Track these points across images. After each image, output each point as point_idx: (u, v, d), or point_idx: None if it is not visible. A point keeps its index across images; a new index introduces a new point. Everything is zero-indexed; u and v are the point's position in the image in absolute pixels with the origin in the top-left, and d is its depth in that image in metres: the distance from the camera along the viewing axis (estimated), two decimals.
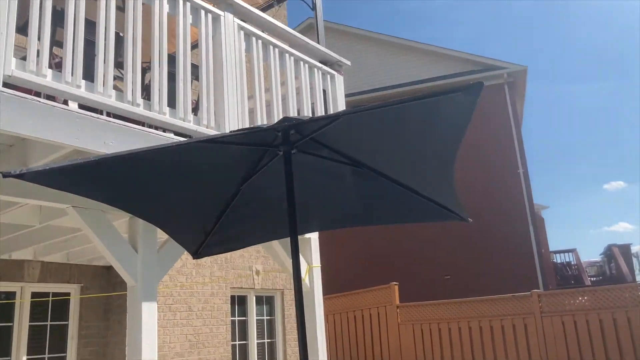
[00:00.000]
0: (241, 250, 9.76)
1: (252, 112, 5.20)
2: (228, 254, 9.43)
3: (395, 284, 11.68)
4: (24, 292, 7.15)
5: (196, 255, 3.49)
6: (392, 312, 11.45)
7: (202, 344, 8.48)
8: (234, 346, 9.46)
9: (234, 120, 4.65)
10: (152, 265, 4.17)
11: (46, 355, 7.26)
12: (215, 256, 9.14)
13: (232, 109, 4.66)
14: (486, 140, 17.24)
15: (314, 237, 5.92)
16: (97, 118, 3.54)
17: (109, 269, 7.89)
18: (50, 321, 7.41)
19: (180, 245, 3.83)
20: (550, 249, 22.25)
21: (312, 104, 5.86)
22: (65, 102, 3.55)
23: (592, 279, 22.83)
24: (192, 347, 8.33)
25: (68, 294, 7.63)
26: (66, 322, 7.56)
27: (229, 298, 9.26)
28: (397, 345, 11.18)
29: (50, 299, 7.40)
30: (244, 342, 9.83)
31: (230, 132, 3.20)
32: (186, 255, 8.66)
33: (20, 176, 1.96)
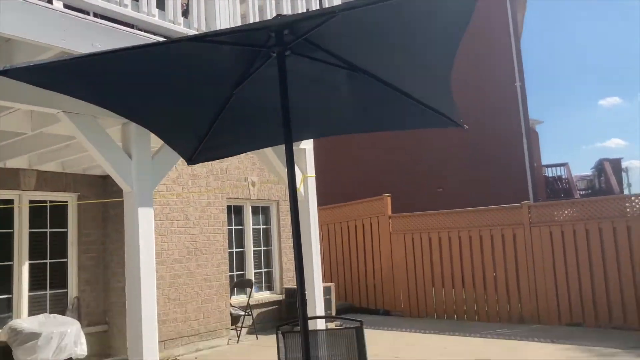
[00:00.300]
0: (237, 162, 9.81)
1: (244, 17, 5.02)
2: (224, 165, 9.48)
3: (388, 196, 11.87)
4: (21, 200, 7.23)
5: (190, 161, 3.49)
6: (384, 222, 11.72)
7: (199, 250, 8.72)
8: (231, 253, 9.75)
9: (226, 25, 4.50)
10: (146, 171, 4.19)
11: (48, 260, 7.47)
12: (210, 167, 9.19)
13: (223, 12, 4.49)
14: (484, 49, 16.89)
15: (308, 147, 5.93)
16: (84, 18, 3.40)
17: (105, 178, 7.95)
18: (50, 228, 7.55)
19: (174, 152, 3.83)
20: (543, 163, 22.46)
21: (307, 9, 5.66)
22: (49, 1, 3.40)
23: (581, 192, 23.28)
24: (190, 253, 8.57)
25: (65, 202, 7.73)
26: (65, 230, 7.72)
27: (225, 208, 9.42)
28: (388, 254, 11.55)
29: (48, 205, 7.50)
30: (241, 249, 10.13)
31: (222, 29, 3.11)
32: (182, 167, 8.71)
33: (4, 73, 1.90)
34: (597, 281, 9.18)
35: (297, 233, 2.59)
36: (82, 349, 6.56)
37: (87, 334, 7.09)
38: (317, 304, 5.44)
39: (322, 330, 3.59)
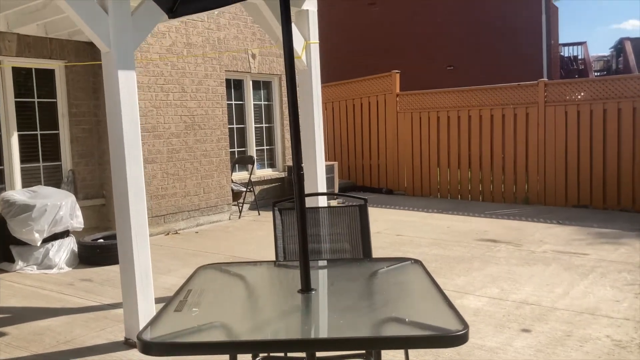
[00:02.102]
0: (235, 31, 9.12)
1: None
2: (221, 35, 8.82)
3: (397, 72, 11.25)
4: (3, 66, 6.73)
5: (172, 13, 2.98)
6: (392, 100, 11.22)
7: (197, 125, 8.36)
8: (231, 129, 9.40)
9: None
10: (126, 28, 3.67)
11: (38, 132, 7.14)
12: (207, 36, 8.55)
13: None
14: None
15: (312, 9, 5.31)
16: None
17: (93, 45, 7.37)
18: (38, 98, 7.13)
19: (156, 8, 3.30)
20: (559, 42, 21.34)
21: None
22: None
23: (597, 73, 22.38)
24: (188, 128, 8.22)
25: (52, 69, 7.24)
26: (54, 100, 7.30)
27: (224, 81, 8.91)
28: (394, 133, 11.19)
29: (34, 71, 7.01)
30: (242, 125, 9.76)
31: None
32: (176, 35, 8.07)
33: None
34: (610, 163, 8.88)
35: (293, 99, 2.17)
36: (78, 221, 6.43)
37: (83, 207, 6.95)
38: (318, 181, 5.15)
39: (322, 207, 3.29)
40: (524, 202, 9.68)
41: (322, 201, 4.80)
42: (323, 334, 1.76)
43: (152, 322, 1.81)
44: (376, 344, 1.64)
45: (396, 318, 1.85)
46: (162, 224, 7.89)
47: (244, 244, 7.08)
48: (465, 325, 1.69)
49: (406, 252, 6.32)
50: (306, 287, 2.10)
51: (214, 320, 1.88)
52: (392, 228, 7.70)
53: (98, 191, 7.64)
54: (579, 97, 9.17)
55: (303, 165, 2.19)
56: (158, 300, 4.70)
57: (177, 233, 7.91)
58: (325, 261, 2.80)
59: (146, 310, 3.82)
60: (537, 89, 9.53)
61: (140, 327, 3.78)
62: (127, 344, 3.87)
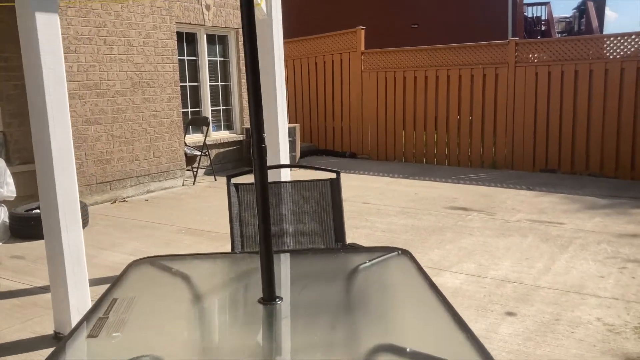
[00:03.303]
0: None
1: None
2: None
3: (362, 28, 10.63)
4: None
5: None
6: (356, 59, 10.63)
7: (146, 82, 7.60)
8: (184, 87, 8.67)
9: None
10: None
11: None
12: None
13: None
14: None
15: None
16: None
17: None
18: None
19: None
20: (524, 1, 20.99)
21: None
22: None
23: (559, 35, 22.22)
24: (135, 85, 7.46)
25: None
26: None
27: (175, 34, 8.12)
28: (358, 94, 10.65)
29: None
30: (196, 83, 9.03)
31: None
32: None
33: None
34: (579, 127, 8.63)
35: (252, 54, 1.62)
36: (9, 189, 5.71)
37: (17, 174, 6.19)
38: (280, 149, 4.59)
39: (286, 182, 2.77)
40: (491, 166, 9.39)
41: (286, 172, 4.27)
42: None
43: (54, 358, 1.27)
44: None
45: (392, 346, 1.37)
46: (108, 191, 7.21)
47: (198, 213, 6.51)
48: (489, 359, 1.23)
49: (374, 222, 5.89)
50: (269, 297, 1.60)
51: (142, 355, 1.35)
52: (357, 195, 7.25)
53: (33, 156, 6.86)
54: (550, 57, 8.81)
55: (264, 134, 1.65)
56: (99, 282, 4.13)
57: (124, 201, 7.26)
58: (293, 253, 2.28)
59: (79, 300, 3.26)
60: (508, 49, 9.12)
61: (73, 321, 3.23)
62: (57, 339, 3.31)
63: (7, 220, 5.72)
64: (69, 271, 3.22)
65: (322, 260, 2.14)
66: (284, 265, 2.03)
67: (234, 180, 2.71)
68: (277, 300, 1.61)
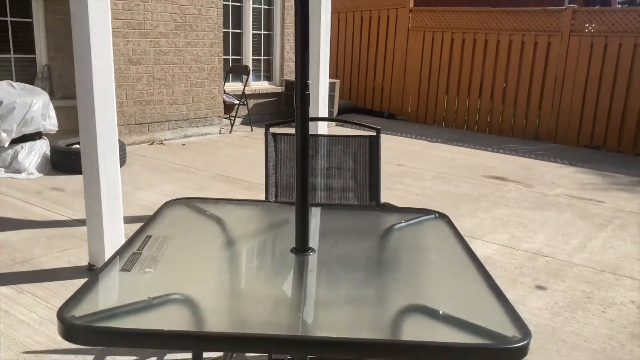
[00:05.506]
0: None
1: None
2: None
3: None
4: None
5: None
6: (404, 16, 10.31)
7: (189, 25, 7.55)
8: (226, 34, 8.59)
9: None
10: None
11: (8, 19, 6.36)
12: None
13: None
14: None
15: None
16: None
17: None
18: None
19: None
20: None
21: None
22: None
23: (620, 5, 21.10)
24: (178, 28, 7.42)
25: None
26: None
27: None
28: (403, 52, 10.38)
29: None
30: (239, 30, 8.93)
31: None
32: None
33: None
34: (632, 103, 8.25)
35: (303, 8, 1.54)
36: (52, 123, 5.82)
37: (60, 108, 6.30)
38: (320, 102, 4.53)
39: (325, 135, 2.72)
40: (534, 137, 9.12)
41: (323, 125, 4.21)
42: (321, 328, 1.25)
43: (83, 291, 1.29)
44: (399, 351, 1.13)
45: (424, 307, 1.34)
46: (147, 132, 7.29)
47: (232, 161, 6.54)
48: (526, 332, 1.19)
49: (408, 185, 5.82)
50: (302, 247, 1.58)
51: (173, 292, 1.36)
52: (393, 157, 7.16)
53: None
54: (608, 28, 8.37)
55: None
56: (132, 220, 4.22)
57: (162, 143, 7.34)
58: (326, 207, 2.25)
59: (113, 235, 3.33)
60: (564, 16, 8.69)
61: (107, 255, 3.31)
62: (91, 271, 3.41)
63: (49, 153, 5.85)
64: (105, 207, 3.27)
65: (355, 216, 2.10)
66: (315, 219, 2.01)
67: (272, 130, 2.67)
68: (309, 251, 1.59)
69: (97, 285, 1.34)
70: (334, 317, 1.29)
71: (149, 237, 1.66)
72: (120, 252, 1.53)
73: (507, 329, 1.21)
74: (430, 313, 1.31)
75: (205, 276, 1.49)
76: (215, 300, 1.37)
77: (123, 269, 1.44)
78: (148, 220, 1.80)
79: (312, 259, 1.57)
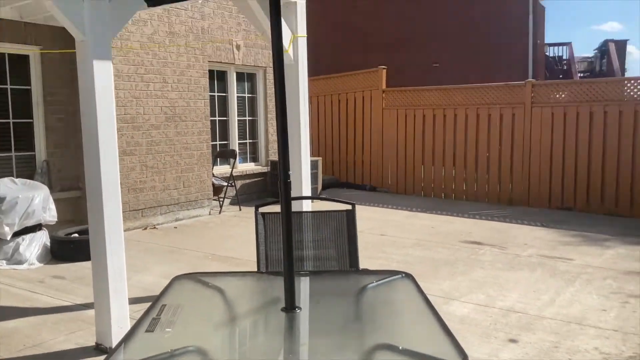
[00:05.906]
0: (220, 21, 8.87)
1: None
2: (205, 24, 8.56)
3: (383, 68, 11.11)
4: None
5: (151, 1, 2.79)
6: (378, 96, 11.08)
7: (178, 117, 8.12)
8: (213, 122, 9.18)
9: None
10: (102, 16, 3.45)
11: (11, 120, 6.85)
12: (190, 26, 8.29)
13: None
14: None
15: (300, 1, 5.11)
16: None
17: None
18: (11, 85, 6.84)
19: None
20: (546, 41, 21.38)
21: None
22: None
23: (580, 75, 22.48)
24: (168, 119, 7.98)
25: (26, 55, 6.94)
26: (29, 87, 7.01)
27: (207, 72, 8.67)
28: (379, 130, 11.06)
29: (7, 57, 6.71)
30: (225, 118, 9.54)
31: None
32: (158, 23, 7.80)
33: None
34: (594, 166, 8.85)
35: (281, 97, 2.00)
36: (52, 214, 6.18)
37: (58, 200, 6.68)
38: (303, 182, 4.98)
39: (307, 212, 3.13)
40: (508, 202, 9.63)
41: (307, 203, 4.64)
42: None
43: (120, 345, 1.63)
44: None
45: (388, 345, 1.70)
46: (140, 218, 7.65)
47: (224, 240, 6.89)
48: (465, 357, 1.55)
49: (390, 254, 6.19)
50: (291, 306, 1.95)
51: (189, 345, 1.71)
52: (375, 227, 7.57)
53: (74, 183, 7.37)
54: (566, 98, 9.12)
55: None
56: (133, 301, 4.50)
57: (155, 228, 7.69)
58: (310, 273, 2.63)
59: (119, 315, 3.63)
60: (524, 90, 9.46)
61: (113, 334, 3.60)
62: (98, 350, 3.67)
63: (49, 243, 6.17)
64: (111, 289, 3.60)
65: (335, 279, 2.48)
66: (303, 284, 2.38)
67: (260, 210, 3.08)
68: (296, 309, 1.95)
69: (130, 343, 1.69)
70: (319, 352, 1.65)
71: (164, 305, 2.02)
72: (142, 318, 1.88)
73: (452, 356, 1.57)
74: (393, 349, 1.67)
75: (214, 333, 1.85)
76: (223, 352, 1.72)
77: (147, 330, 1.79)
78: (162, 292, 2.16)
79: (299, 315, 1.94)
